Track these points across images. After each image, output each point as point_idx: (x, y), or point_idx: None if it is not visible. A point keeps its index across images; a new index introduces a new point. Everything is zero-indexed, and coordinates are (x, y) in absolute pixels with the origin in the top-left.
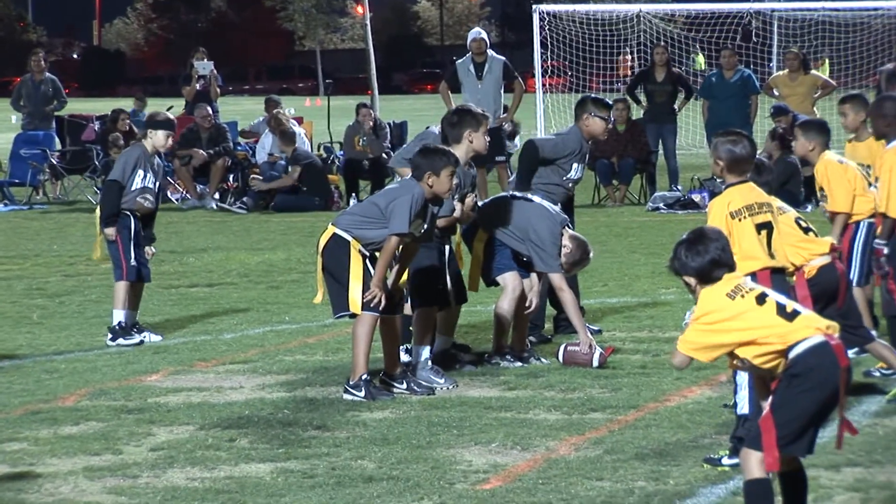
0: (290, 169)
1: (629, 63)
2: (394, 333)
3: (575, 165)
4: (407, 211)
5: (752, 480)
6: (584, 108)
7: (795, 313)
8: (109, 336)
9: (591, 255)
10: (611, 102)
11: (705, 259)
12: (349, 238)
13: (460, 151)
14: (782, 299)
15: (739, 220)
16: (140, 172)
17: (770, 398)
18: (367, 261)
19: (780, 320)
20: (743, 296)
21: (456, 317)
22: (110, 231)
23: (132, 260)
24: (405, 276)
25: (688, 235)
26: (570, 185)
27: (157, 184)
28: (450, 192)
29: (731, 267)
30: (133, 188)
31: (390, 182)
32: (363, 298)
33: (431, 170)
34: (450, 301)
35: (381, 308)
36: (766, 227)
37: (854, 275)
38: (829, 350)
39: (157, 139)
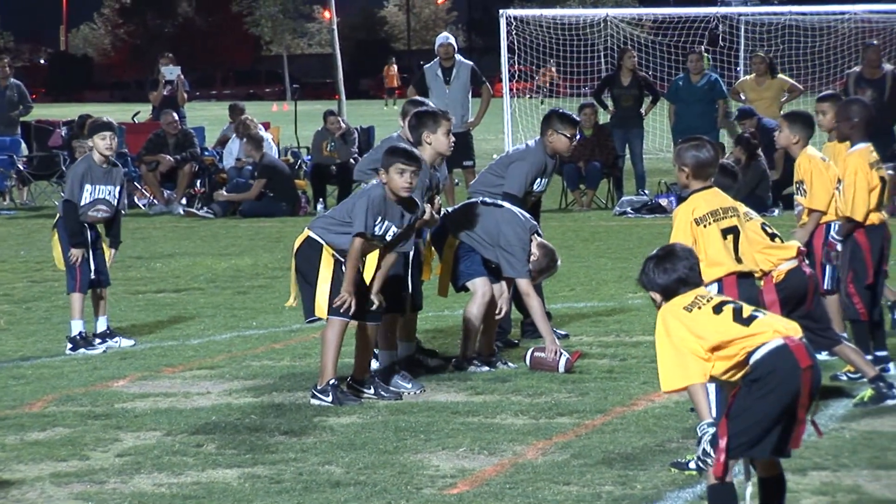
0: (255, 177)
1: (552, 72)
2: (369, 341)
3: (538, 180)
4: (363, 212)
5: (716, 484)
6: (549, 123)
7: (752, 317)
8: (69, 346)
9: (559, 263)
10: (578, 119)
11: (672, 277)
12: (322, 242)
13: (425, 154)
14: (740, 304)
15: (704, 226)
16: (88, 187)
17: (728, 406)
18: (342, 266)
19: (737, 326)
20: (700, 307)
21: (414, 322)
22: (77, 252)
23: (91, 272)
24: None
25: (657, 251)
26: (531, 197)
27: (118, 188)
28: (407, 190)
29: (696, 286)
30: (83, 203)
31: (357, 188)
32: (334, 303)
33: (383, 167)
34: (406, 308)
35: (350, 313)
36: (732, 232)
37: (827, 279)
38: (787, 352)
39: (97, 146)
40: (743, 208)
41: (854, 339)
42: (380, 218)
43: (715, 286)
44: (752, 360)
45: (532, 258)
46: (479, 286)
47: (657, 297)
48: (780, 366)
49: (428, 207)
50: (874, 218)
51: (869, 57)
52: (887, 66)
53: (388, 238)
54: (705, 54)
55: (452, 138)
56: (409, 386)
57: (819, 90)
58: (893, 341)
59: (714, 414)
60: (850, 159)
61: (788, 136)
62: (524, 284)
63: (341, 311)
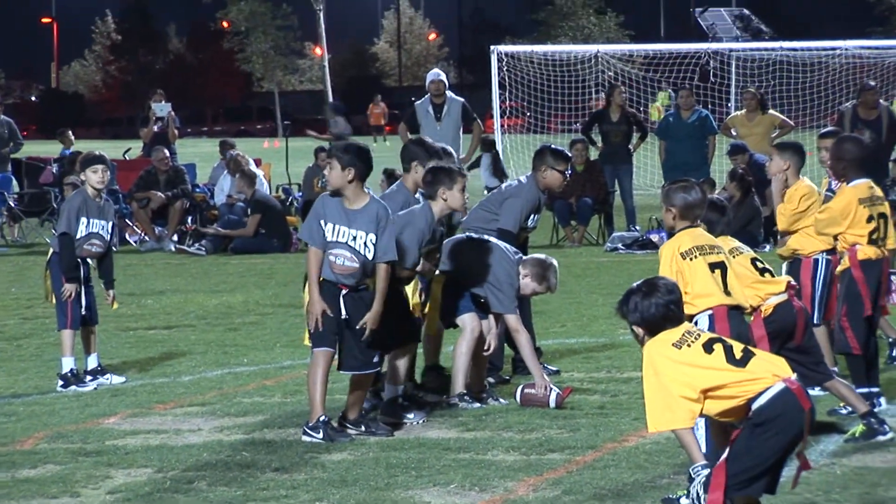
0: (249, 213)
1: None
2: (364, 385)
3: (532, 216)
4: (308, 221)
5: None
6: (542, 159)
7: (746, 358)
8: (60, 383)
9: (551, 260)
10: (570, 154)
11: (657, 312)
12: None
13: (436, 208)
14: (730, 343)
15: (691, 259)
16: (84, 220)
17: (728, 447)
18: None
19: (732, 369)
20: (689, 345)
21: (412, 360)
22: (71, 287)
23: (83, 308)
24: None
25: (641, 285)
26: (524, 233)
27: (110, 223)
28: (330, 184)
29: (680, 321)
30: (79, 236)
31: None
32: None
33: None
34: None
35: (321, 335)
36: (719, 267)
37: (815, 312)
38: (791, 396)
39: (90, 180)
40: (734, 242)
41: (850, 372)
42: (322, 221)
43: (706, 318)
44: (755, 406)
45: (527, 279)
46: (468, 322)
47: (640, 331)
48: (785, 410)
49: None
50: (870, 253)
51: (866, 98)
52: (881, 103)
53: (347, 240)
54: (662, 92)
55: (468, 194)
56: (412, 416)
57: (810, 126)
58: (887, 376)
59: (705, 448)
60: (848, 190)
61: (780, 164)
62: (513, 320)
63: (315, 334)
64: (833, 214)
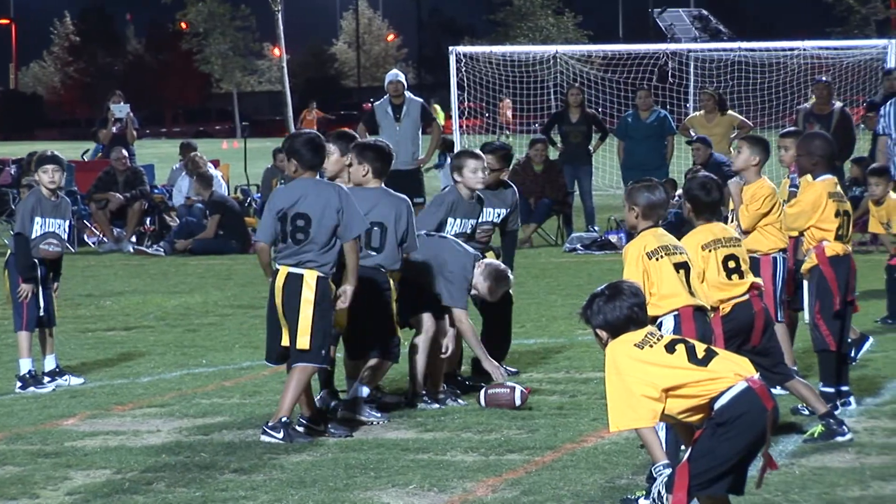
0: (208, 215)
1: (509, 109)
2: (301, 386)
3: (495, 212)
4: (360, 220)
5: None
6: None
7: (708, 358)
8: (19, 385)
9: (505, 268)
10: (480, 154)
11: (621, 315)
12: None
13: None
14: (693, 343)
15: (657, 259)
16: (38, 220)
17: (691, 447)
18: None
19: (693, 368)
20: (652, 346)
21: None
22: (27, 288)
23: (40, 310)
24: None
25: (605, 289)
26: (481, 233)
27: (67, 222)
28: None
29: (643, 325)
30: (34, 236)
31: None
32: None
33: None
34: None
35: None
36: (683, 267)
37: (778, 311)
38: (753, 396)
39: (41, 180)
40: (729, 231)
41: (820, 369)
42: None
43: (672, 319)
44: (717, 406)
45: (478, 288)
46: (425, 322)
47: (603, 334)
48: (748, 409)
49: None
50: (838, 249)
51: (815, 92)
52: (837, 104)
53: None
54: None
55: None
56: (379, 415)
57: (769, 126)
58: (856, 374)
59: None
60: (818, 184)
61: (748, 158)
62: (459, 313)
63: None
64: (804, 207)
